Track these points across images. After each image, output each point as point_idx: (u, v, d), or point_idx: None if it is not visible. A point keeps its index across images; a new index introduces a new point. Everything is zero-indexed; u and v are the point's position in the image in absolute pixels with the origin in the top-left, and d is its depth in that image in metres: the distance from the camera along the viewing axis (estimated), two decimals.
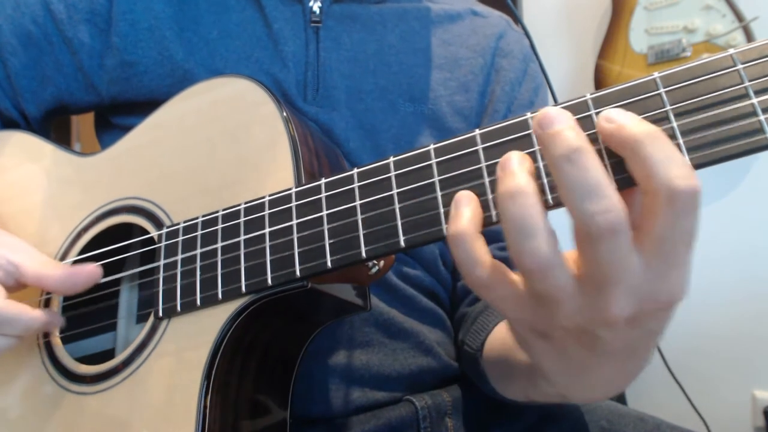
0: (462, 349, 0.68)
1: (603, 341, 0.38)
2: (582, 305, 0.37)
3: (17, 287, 0.56)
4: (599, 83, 1.73)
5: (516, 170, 0.36)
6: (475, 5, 0.83)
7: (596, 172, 0.33)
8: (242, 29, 0.69)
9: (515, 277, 0.38)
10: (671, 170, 0.33)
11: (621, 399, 1.63)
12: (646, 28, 1.65)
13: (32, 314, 0.53)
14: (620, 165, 0.36)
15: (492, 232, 0.68)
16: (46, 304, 0.61)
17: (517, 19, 0.84)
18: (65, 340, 0.59)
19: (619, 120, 0.35)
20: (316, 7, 0.70)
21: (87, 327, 0.62)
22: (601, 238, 0.33)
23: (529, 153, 0.38)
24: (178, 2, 0.70)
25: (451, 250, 0.38)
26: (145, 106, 0.65)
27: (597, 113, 0.37)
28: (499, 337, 0.61)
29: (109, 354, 0.62)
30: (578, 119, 0.37)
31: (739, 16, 1.53)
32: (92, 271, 0.54)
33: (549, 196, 0.37)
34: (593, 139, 0.36)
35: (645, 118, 0.36)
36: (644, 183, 0.34)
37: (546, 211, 0.36)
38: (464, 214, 0.38)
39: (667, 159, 0.33)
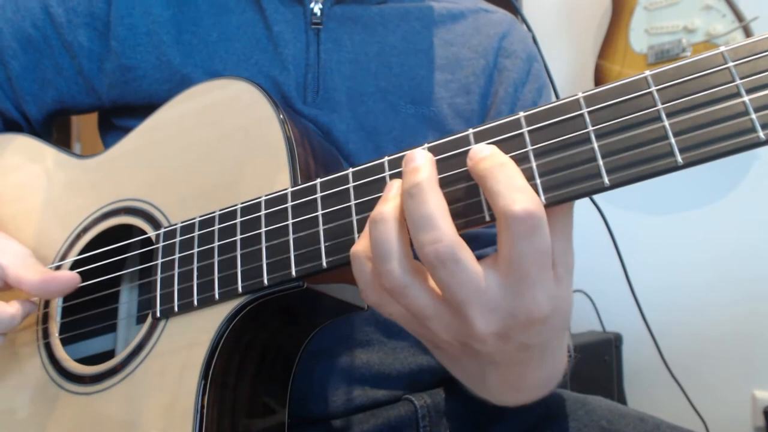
0: None
1: (483, 353, 0.41)
2: (449, 322, 0.40)
3: (5, 288, 0.57)
4: (599, 83, 1.73)
5: (386, 197, 0.40)
6: (479, 2, 0.82)
7: (430, 206, 0.37)
8: (242, 31, 0.69)
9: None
10: (508, 197, 0.36)
11: (621, 399, 1.63)
12: (646, 28, 1.65)
13: (12, 309, 0.55)
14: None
15: (491, 236, 0.69)
16: (46, 305, 0.61)
17: (520, 16, 0.83)
18: (65, 342, 0.60)
19: (473, 157, 0.38)
20: (317, 8, 0.70)
21: (87, 328, 0.62)
22: (433, 266, 0.37)
23: (521, 153, 0.39)
24: (178, 4, 0.70)
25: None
26: (145, 108, 0.65)
27: (589, 112, 0.37)
28: None
29: (110, 355, 0.62)
30: (570, 118, 0.38)
31: (739, 16, 1.53)
32: (70, 278, 0.55)
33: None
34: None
35: (637, 116, 0.36)
36: (494, 211, 0.37)
37: (403, 239, 0.39)
38: (364, 235, 0.41)
39: (506, 188, 0.36)
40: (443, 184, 0.40)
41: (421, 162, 0.39)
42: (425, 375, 0.68)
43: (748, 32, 1.52)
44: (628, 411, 0.67)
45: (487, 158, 0.38)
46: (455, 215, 0.39)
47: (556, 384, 0.53)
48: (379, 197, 0.43)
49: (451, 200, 0.39)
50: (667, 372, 1.61)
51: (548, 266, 0.38)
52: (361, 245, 0.41)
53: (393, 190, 0.40)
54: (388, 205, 0.39)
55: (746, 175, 1.65)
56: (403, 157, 0.43)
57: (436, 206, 0.37)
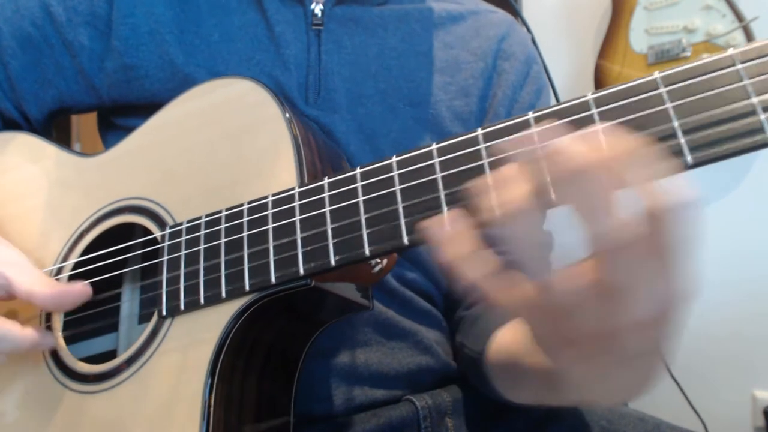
0: (462, 351, 0.68)
1: (626, 344, 0.38)
2: (599, 313, 0.37)
3: (9, 299, 0.56)
4: (599, 83, 1.73)
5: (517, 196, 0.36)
6: (479, 3, 0.82)
7: (609, 190, 0.34)
8: (244, 32, 0.69)
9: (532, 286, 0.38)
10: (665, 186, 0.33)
11: None
12: (646, 28, 1.65)
13: (22, 333, 0.54)
14: None
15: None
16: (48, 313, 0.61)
17: (519, 17, 0.83)
18: (68, 340, 0.60)
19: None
20: (318, 9, 0.70)
21: (90, 327, 0.62)
22: (620, 251, 0.34)
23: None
24: (180, 4, 0.70)
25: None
26: (147, 108, 0.65)
27: (599, 113, 0.38)
28: (506, 341, 0.60)
29: (111, 354, 0.62)
30: (579, 119, 0.38)
31: (739, 16, 1.53)
32: (82, 291, 0.55)
33: (552, 196, 0.36)
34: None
35: (646, 116, 0.36)
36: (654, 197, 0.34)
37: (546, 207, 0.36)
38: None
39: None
40: (449, 184, 0.40)
41: (581, 141, 0.35)
42: (425, 375, 0.68)
43: (748, 32, 1.52)
44: (628, 411, 0.67)
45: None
46: None
47: None
48: (388, 194, 0.43)
49: None
50: (667, 372, 1.61)
51: (695, 247, 0.35)
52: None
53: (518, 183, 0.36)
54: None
55: (747, 174, 1.65)
56: (410, 157, 0.44)
57: (613, 190, 0.34)
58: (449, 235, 0.38)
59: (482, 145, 0.41)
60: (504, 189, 0.36)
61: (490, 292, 0.38)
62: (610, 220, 0.33)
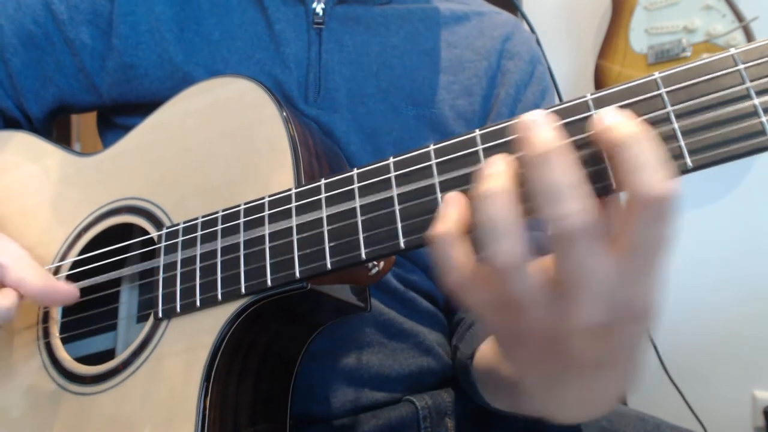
0: (455, 355, 0.68)
1: (573, 351, 0.37)
2: (550, 311, 0.36)
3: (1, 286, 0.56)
4: (599, 83, 1.73)
5: (492, 173, 0.36)
6: (483, 4, 0.82)
7: (572, 173, 0.33)
8: (244, 30, 0.69)
9: (489, 279, 0.37)
10: (647, 175, 0.32)
11: (621, 399, 1.63)
12: (646, 28, 1.65)
13: (4, 304, 0.53)
14: (600, 174, 0.35)
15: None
16: (45, 313, 0.61)
17: (521, 16, 0.83)
18: (65, 341, 0.59)
19: (609, 121, 0.34)
20: (319, 8, 0.70)
21: (87, 327, 0.62)
22: (568, 241, 0.33)
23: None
24: (180, 2, 0.70)
25: (432, 250, 0.38)
26: (146, 107, 0.65)
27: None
28: (490, 347, 0.60)
29: (109, 354, 0.62)
30: (579, 120, 0.37)
31: (739, 16, 1.52)
32: (69, 292, 0.55)
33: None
34: (581, 144, 0.36)
35: (646, 118, 0.36)
36: (622, 186, 0.34)
37: (519, 215, 0.35)
38: (448, 214, 0.38)
39: (645, 163, 0.32)
40: (446, 186, 0.39)
41: (546, 126, 0.34)
42: (425, 376, 0.68)
43: (748, 32, 1.52)
44: (629, 411, 0.67)
45: (624, 126, 0.34)
46: None
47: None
48: (385, 197, 0.43)
49: None
50: (665, 374, 1.61)
51: (664, 256, 0.34)
52: (445, 226, 0.37)
53: (497, 165, 0.36)
54: (498, 180, 0.35)
55: (746, 175, 1.65)
56: (407, 158, 0.43)
57: (572, 174, 0.33)
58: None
59: (480, 147, 0.40)
60: (480, 183, 0.36)
61: (452, 285, 0.38)
62: (561, 206, 0.33)
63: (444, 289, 0.37)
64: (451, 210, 0.38)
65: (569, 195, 0.33)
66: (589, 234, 0.33)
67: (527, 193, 0.35)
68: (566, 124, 0.37)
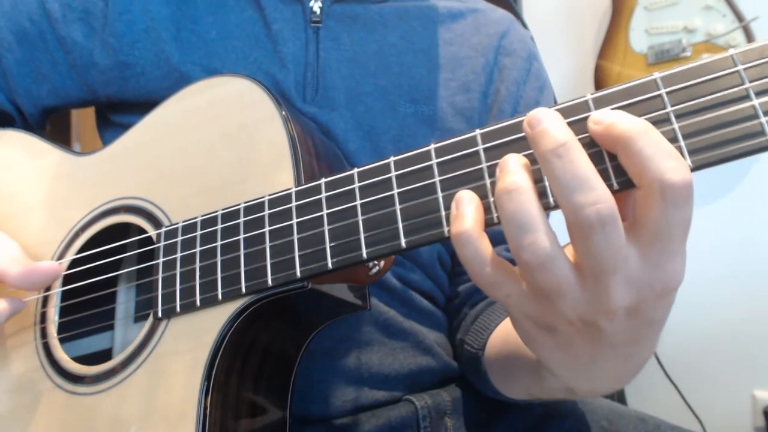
0: (462, 348, 0.68)
1: (606, 332, 0.39)
2: (582, 296, 0.37)
3: None
4: (599, 83, 1.73)
5: (513, 168, 0.37)
6: (479, 2, 0.82)
7: (584, 165, 0.35)
8: (241, 29, 0.69)
9: (521, 272, 0.39)
10: (663, 164, 0.33)
11: (622, 399, 1.63)
12: (646, 28, 1.65)
13: None
14: (621, 168, 0.36)
15: (495, 234, 0.68)
16: (44, 304, 0.61)
17: (517, 16, 0.83)
18: (63, 341, 0.59)
19: (606, 120, 0.36)
20: (316, 7, 0.70)
21: (85, 328, 0.62)
22: (592, 230, 0.34)
23: (528, 154, 0.38)
24: (177, 1, 0.70)
25: (456, 249, 0.39)
26: (143, 105, 0.65)
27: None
28: (501, 335, 0.61)
29: (106, 353, 0.62)
30: (578, 120, 0.37)
31: (739, 16, 1.53)
32: (50, 269, 0.55)
33: (550, 198, 0.37)
34: (585, 143, 0.37)
35: (646, 119, 0.36)
36: (638, 178, 0.35)
37: (543, 209, 0.36)
38: (467, 213, 0.38)
39: (658, 152, 0.34)
40: (447, 186, 0.40)
41: (556, 120, 0.36)
42: (425, 376, 0.68)
43: (748, 32, 1.52)
44: (629, 411, 0.67)
45: (629, 119, 0.35)
46: None
47: None
48: (385, 196, 0.43)
49: None
50: (665, 374, 1.61)
51: (687, 236, 0.36)
52: (466, 224, 0.38)
53: (512, 161, 0.37)
54: (516, 175, 0.37)
55: (746, 175, 1.65)
56: (408, 157, 0.43)
57: (590, 165, 0.35)
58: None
59: (480, 146, 0.40)
60: (501, 180, 0.37)
61: (483, 282, 0.39)
62: (586, 195, 0.34)
63: (473, 285, 0.38)
64: (467, 208, 0.39)
65: (591, 184, 0.34)
66: (613, 220, 0.34)
67: (541, 190, 0.37)
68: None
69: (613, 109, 0.37)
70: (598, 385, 0.46)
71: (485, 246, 0.38)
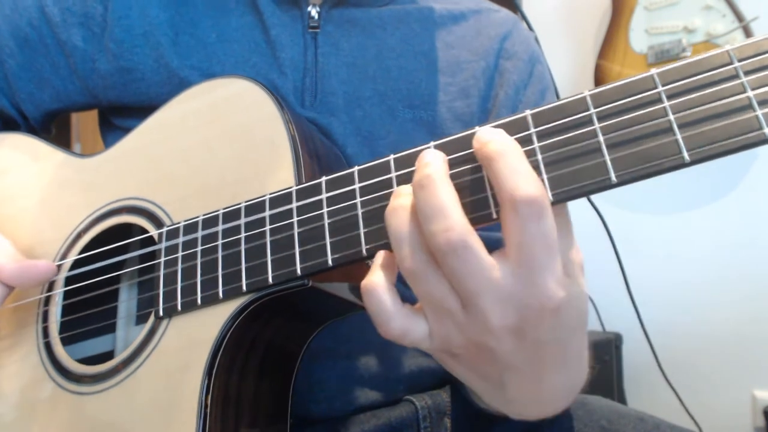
0: None
1: (498, 353, 0.40)
2: (464, 318, 0.39)
3: None
4: (599, 83, 1.73)
5: (401, 192, 0.40)
6: (482, 2, 0.81)
7: (441, 196, 0.37)
8: (240, 34, 0.69)
9: (418, 311, 0.42)
10: (513, 181, 0.36)
11: (621, 399, 1.63)
12: (646, 28, 1.65)
13: None
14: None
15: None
16: (46, 302, 0.61)
17: (520, 14, 0.82)
18: (65, 341, 0.59)
19: (481, 139, 0.39)
20: (314, 12, 0.69)
21: (86, 328, 0.62)
22: (445, 255, 0.37)
23: (527, 150, 0.39)
24: (175, 6, 0.70)
25: (364, 301, 0.41)
26: (145, 109, 0.65)
27: (596, 111, 0.38)
28: None
29: (108, 355, 0.62)
30: (576, 117, 0.38)
31: (739, 16, 1.53)
32: (45, 267, 0.56)
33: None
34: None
35: (643, 114, 0.36)
36: (498, 197, 0.37)
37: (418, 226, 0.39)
38: (377, 269, 0.41)
39: (512, 172, 0.36)
40: (453, 178, 0.40)
41: (432, 157, 0.39)
42: (425, 377, 0.68)
43: (748, 32, 1.52)
44: (628, 411, 0.67)
45: (493, 141, 0.38)
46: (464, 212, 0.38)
47: (577, 393, 0.51)
48: (385, 194, 0.44)
49: (459, 196, 0.39)
50: (662, 375, 1.61)
51: (555, 252, 0.37)
52: (372, 278, 0.41)
53: (406, 188, 0.40)
54: (401, 199, 0.40)
55: (745, 175, 1.65)
56: (408, 155, 0.43)
57: (447, 196, 0.37)
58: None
59: (480, 128, 0.41)
60: (392, 199, 0.41)
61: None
62: (435, 224, 0.37)
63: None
64: (379, 261, 0.42)
65: (445, 213, 0.37)
66: (463, 246, 0.37)
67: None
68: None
69: (611, 105, 0.37)
70: (521, 408, 0.48)
71: (390, 299, 0.41)
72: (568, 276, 0.39)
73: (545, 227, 0.36)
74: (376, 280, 0.41)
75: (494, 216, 0.39)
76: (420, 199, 0.38)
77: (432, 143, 0.43)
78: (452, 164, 0.41)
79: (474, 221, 0.39)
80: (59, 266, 0.61)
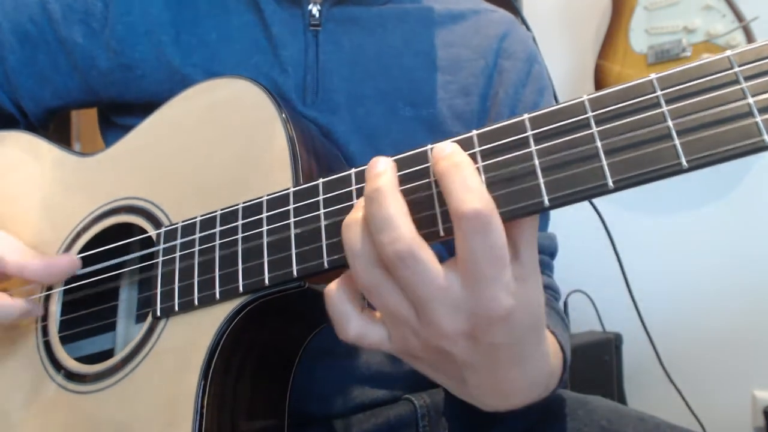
0: None
1: (456, 355, 0.42)
2: (418, 324, 0.41)
3: (2, 278, 0.57)
4: (599, 83, 1.73)
5: (357, 206, 0.41)
6: (480, 3, 0.82)
7: (390, 208, 0.38)
8: (241, 32, 0.69)
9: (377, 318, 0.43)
10: (458, 196, 0.37)
11: (621, 399, 1.63)
12: (646, 28, 1.65)
13: (12, 302, 0.55)
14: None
15: None
16: (46, 300, 0.61)
17: (519, 15, 0.83)
18: (64, 340, 0.59)
19: (434, 155, 0.40)
20: (315, 10, 0.69)
21: (86, 326, 0.62)
22: (394, 265, 0.38)
23: (525, 152, 0.39)
24: (177, 5, 0.70)
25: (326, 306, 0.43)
26: (145, 107, 0.65)
27: (594, 115, 0.37)
28: None
29: (108, 354, 0.62)
30: (574, 120, 0.38)
31: (739, 16, 1.53)
32: (71, 262, 0.56)
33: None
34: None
35: (642, 118, 0.36)
36: (450, 211, 0.38)
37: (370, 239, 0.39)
38: (343, 275, 0.42)
39: (459, 187, 0.37)
40: (404, 194, 0.40)
41: (382, 168, 0.40)
42: (423, 375, 0.68)
43: (748, 32, 1.52)
44: (628, 411, 0.67)
45: (446, 158, 0.39)
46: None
47: (546, 387, 0.52)
48: None
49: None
50: (665, 375, 1.61)
51: (503, 263, 0.38)
52: (332, 284, 0.43)
53: (362, 201, 0.41)
54: (356, 213, 0.41)
55: (746, 176, 1.65)
56: (403, 157, 0.43)
57: (395, 208, 0.38)
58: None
59: (477, 149, 0.40)
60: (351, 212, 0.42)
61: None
62: (384, 235, 0.38)
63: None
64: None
65: (394, 224, 0.38)
66: (411, 256, 0.38)
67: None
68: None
69: (609, 109, 0.37)
70: (494, 400, 0.49)
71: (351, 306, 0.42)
72: (523, 281, 0.40)
73: (491, 240, 0.37)
74: (335, 286, 0.42)
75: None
76: (369, 212, 0.39)
77: (430, 146, 0.43)
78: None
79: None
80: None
